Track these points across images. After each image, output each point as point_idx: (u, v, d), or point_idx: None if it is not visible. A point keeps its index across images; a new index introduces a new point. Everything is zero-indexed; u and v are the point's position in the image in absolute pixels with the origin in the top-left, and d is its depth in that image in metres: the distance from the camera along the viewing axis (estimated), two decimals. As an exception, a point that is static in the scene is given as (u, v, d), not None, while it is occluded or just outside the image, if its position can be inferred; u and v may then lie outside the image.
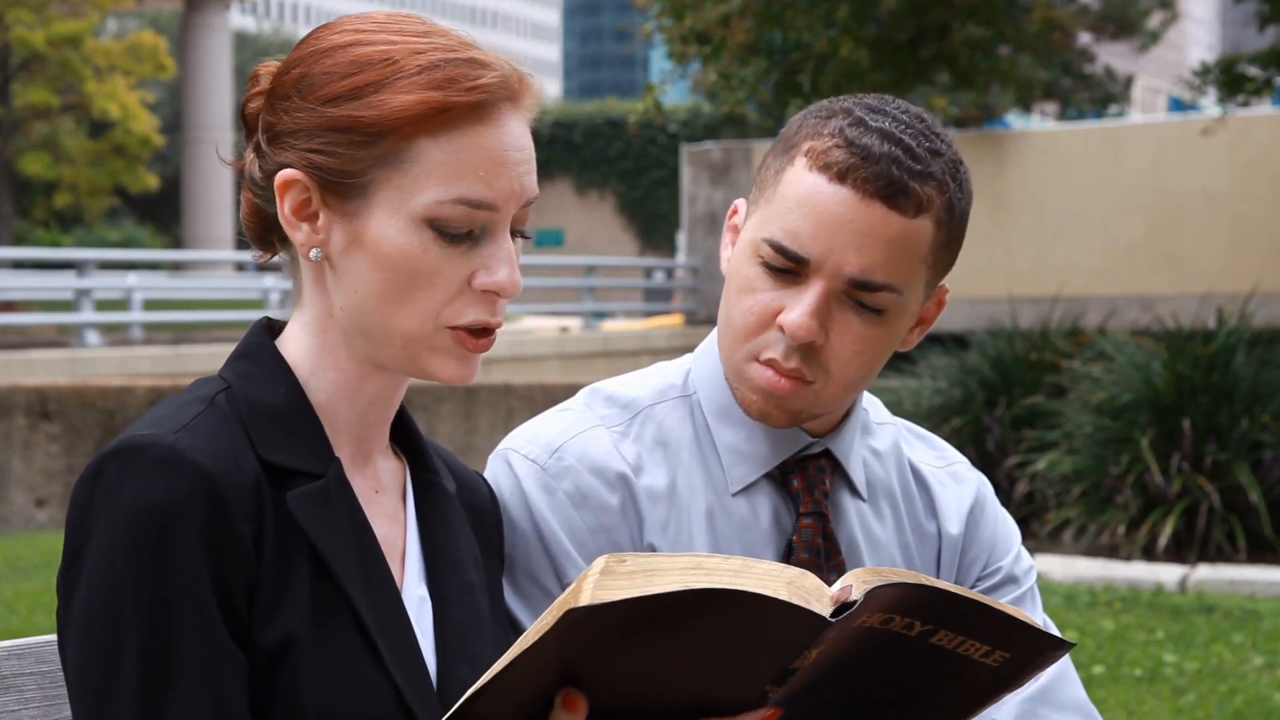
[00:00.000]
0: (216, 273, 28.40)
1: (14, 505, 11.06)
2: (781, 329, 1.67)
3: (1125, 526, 7.97)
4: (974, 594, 1.38)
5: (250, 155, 1.48)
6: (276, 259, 1.52)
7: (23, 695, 1.47)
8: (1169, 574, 7.37)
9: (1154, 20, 35.50)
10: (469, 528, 1.58)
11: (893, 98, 1.73)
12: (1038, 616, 1.82)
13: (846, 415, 1.79)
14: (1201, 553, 7.90)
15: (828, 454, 1.78)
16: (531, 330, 22.10)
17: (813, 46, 11.28)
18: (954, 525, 1.85)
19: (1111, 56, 44.41)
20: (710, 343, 1.81)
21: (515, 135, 1.44)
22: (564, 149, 39.91)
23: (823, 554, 1.74)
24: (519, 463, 1.72)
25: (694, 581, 1.22)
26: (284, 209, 1.44)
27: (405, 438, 1.56)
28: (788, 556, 1.74)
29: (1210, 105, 17.58)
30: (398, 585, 1.47)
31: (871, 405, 1.88)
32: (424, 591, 1.49)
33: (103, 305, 18.47)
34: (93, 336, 17.13)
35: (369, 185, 1.41)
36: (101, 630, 1.30)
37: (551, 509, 1.69)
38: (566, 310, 24.19)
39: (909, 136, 1.66)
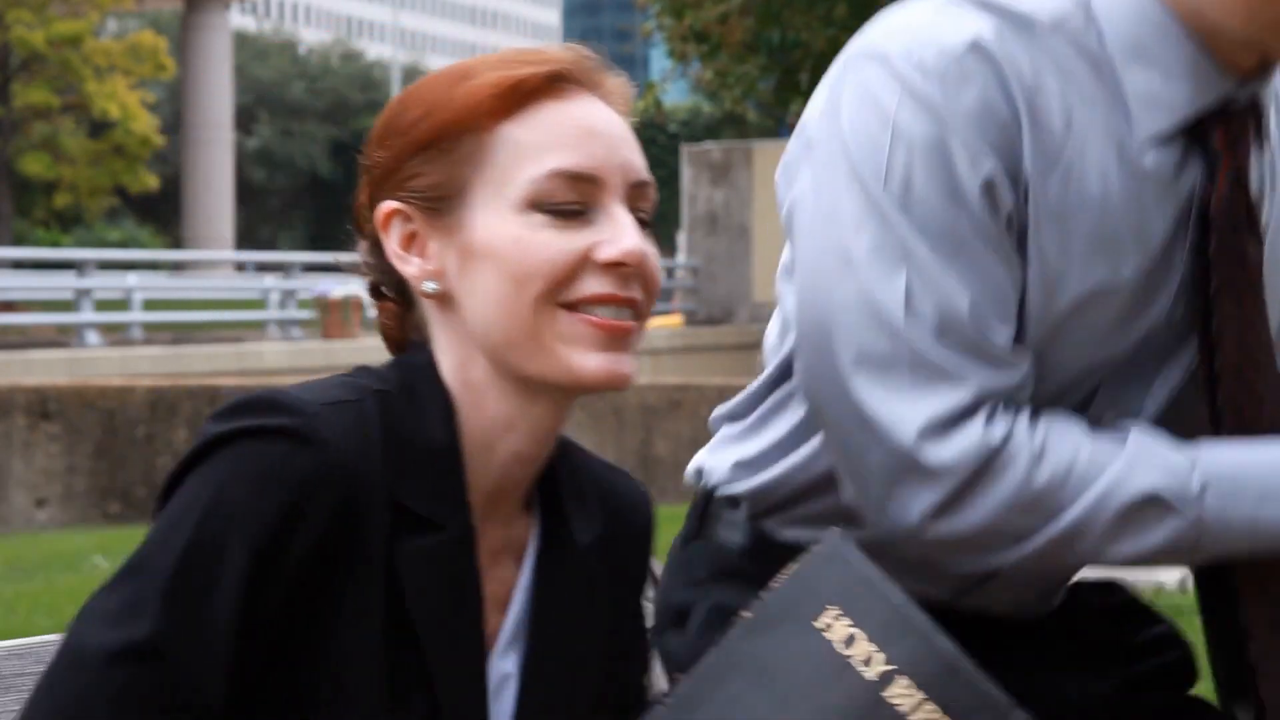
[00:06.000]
0: (216, 273, 28.44)
1: (14, 505, 11.07)
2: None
3: (1125, 526, 7.96)
4: None
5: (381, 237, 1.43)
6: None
7: (23, 695, 1.47)
8: (1169, 574, 7.36)
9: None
10: (605, 586, 1.48)
11: None
12: None
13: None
14: (1202, 552, 7.89)
15: (1254, 107, 1.52)
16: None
17: (811, 45, 11.28)
18: None
19: (1111, 56, 44.41)
20: None
21: (600, 111, 1.39)
22: (564, 149, 39.93)
23: (1244, 224, 1.50)
24: (897, 70, 1.48)
25: None
26: (391, 244, 1.39)
27: (549, 490, 1.46)
28: (1201, 221, 1.50)
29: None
30: (488, 656, 1.39)
31: None
32: (510, 668, 1.41)
33: (103, 305, 18.48)
34: (93, 336, 17.15)
35: (464, 191, 1.37)
36: (163, 531, 1.27)
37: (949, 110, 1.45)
38: (566, 310, 24.17)
39: None
